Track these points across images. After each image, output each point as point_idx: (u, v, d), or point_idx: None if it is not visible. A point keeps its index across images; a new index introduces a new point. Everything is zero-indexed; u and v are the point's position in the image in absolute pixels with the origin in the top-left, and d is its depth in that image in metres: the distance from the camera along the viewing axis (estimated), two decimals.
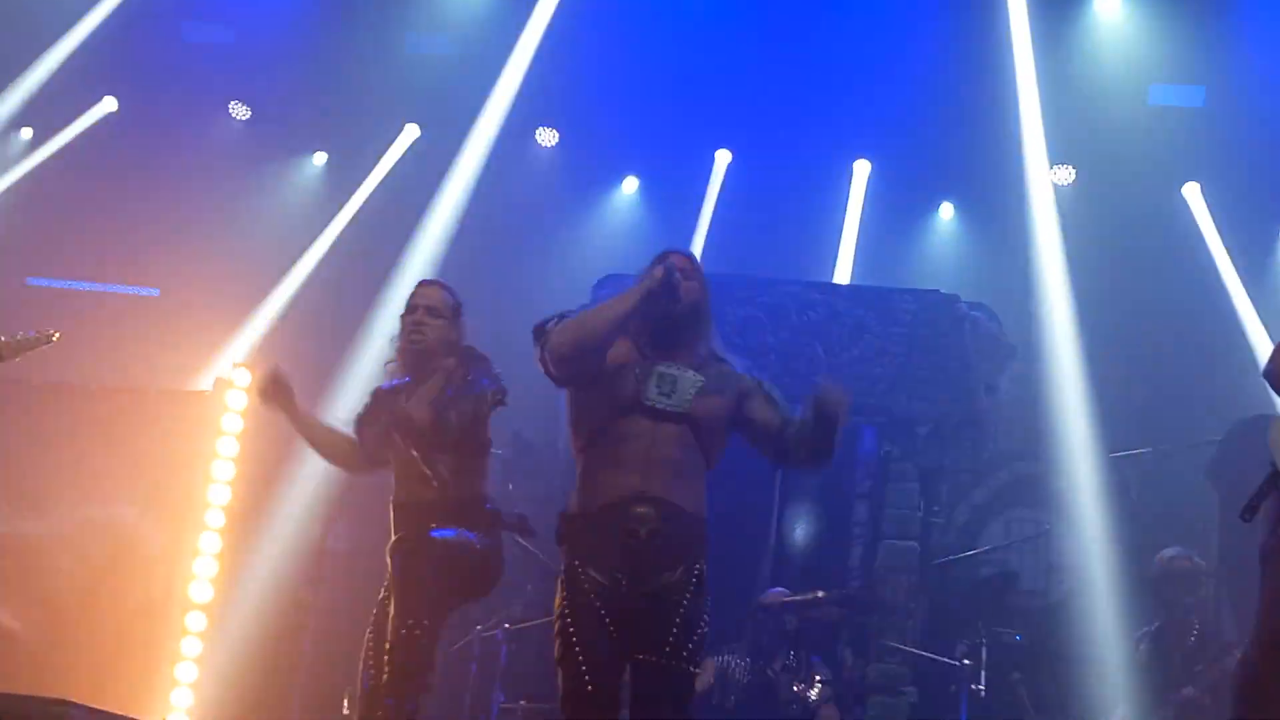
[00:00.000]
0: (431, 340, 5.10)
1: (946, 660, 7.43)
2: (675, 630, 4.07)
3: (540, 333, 4.27)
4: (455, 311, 5.21)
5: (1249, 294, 9.59)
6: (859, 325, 8.91)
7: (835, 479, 8.59)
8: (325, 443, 5.32)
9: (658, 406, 4.21)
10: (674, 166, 10.69)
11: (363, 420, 5.24)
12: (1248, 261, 9.81)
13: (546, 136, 10.63)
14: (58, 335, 6.16)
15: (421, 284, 5.34)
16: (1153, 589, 7.40)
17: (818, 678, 7.08)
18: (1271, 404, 6.66)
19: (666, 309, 4.28)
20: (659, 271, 4.27)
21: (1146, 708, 7.14)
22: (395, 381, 5.21)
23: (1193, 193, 10.00)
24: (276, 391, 5.19)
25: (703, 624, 4.15)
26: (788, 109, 10.11)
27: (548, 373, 4.28)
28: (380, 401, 5.22)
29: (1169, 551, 7.33)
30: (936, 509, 8.76)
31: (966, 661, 7.24)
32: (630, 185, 10.95)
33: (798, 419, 4.32)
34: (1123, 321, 9.37)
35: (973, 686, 7.14)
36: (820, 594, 7.53)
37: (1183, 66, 9.64)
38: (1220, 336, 9.38)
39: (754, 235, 10.21)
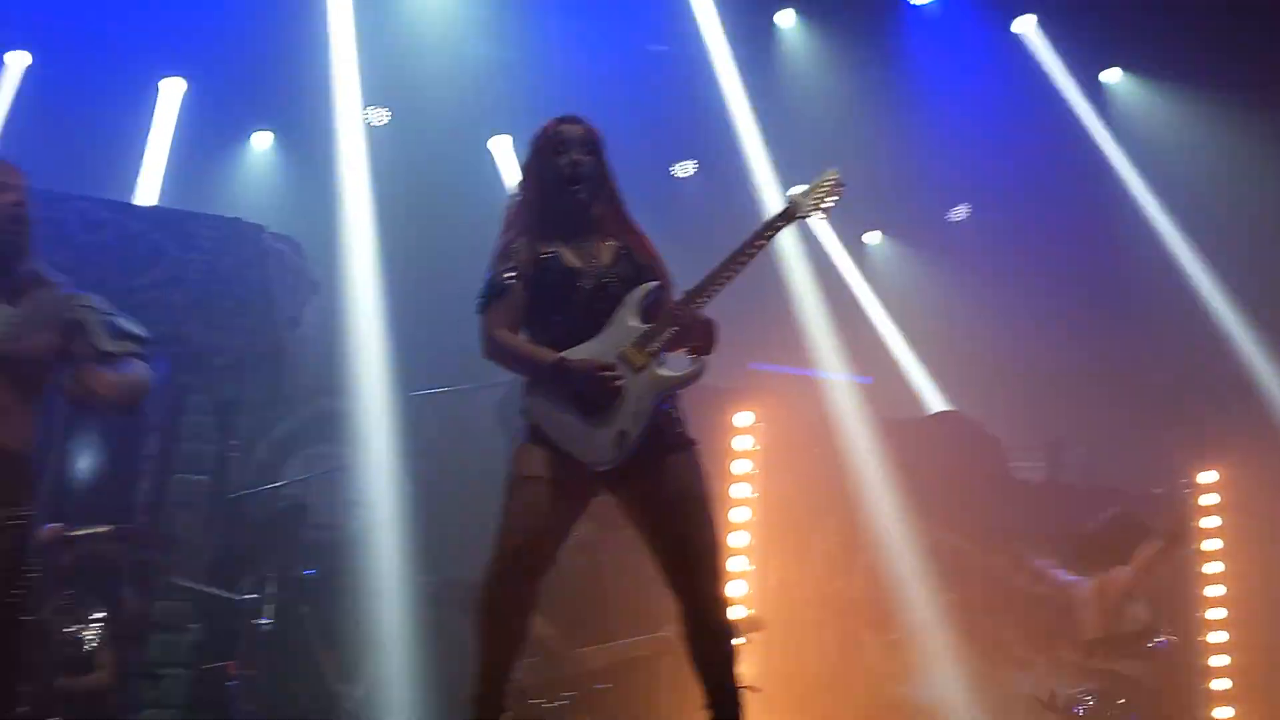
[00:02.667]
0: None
1: (232, 596, 7.24)
2: None
3: None
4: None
5: None
6: (155, 249, 8.47)
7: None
8: None
9: None
10: None
11: None
12: None
13: None
14: None
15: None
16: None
17: (93, 618, 6.64)
18: None
19: None
20: None
21: None
22: None
23: (501, 144, 10.37)
24: None
25: (27, 571, 3.99)
26: (95, 12, 9.40)
27: None
28: None
29: None
30: (235, 443, 8.54)
31: (253, 596, 7.10)
32: None
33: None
34: (427, 262, 9.53)
35: (257, 621, 7.01)
36: (102, 529, 7.07)
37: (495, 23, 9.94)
38: None
39: (48, 147, 9.34)
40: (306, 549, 8.07)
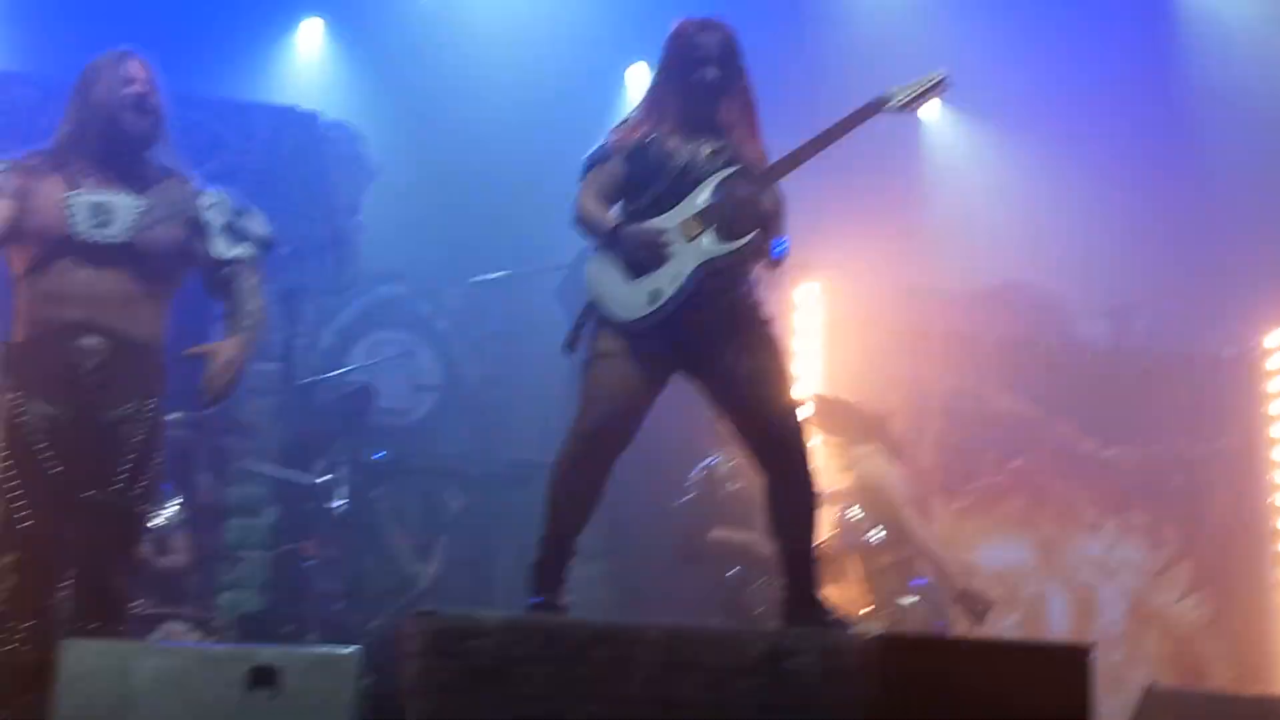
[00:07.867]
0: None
1: (305, 480, 7.37)
2: (127, 468, 4.02)
3: None
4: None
5: None
6: (215, 139, 8.47)
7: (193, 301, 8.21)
8: None
9: (90, 241, 4.02)
10: None
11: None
12: None
13: None
14: None
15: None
16: None
17: (169, 504, 6.79)
18: None
19: (122, 128, 4.18)
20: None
21: None
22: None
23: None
24: None
25: (155, 461, 4.14)
26: None
27: None
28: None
29: None
30: (300, 330, 8.61)
31: (326, 477, 7.25)
32: None
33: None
34: (485, 146, 9.45)
35: (330, 504, 7.16)
36: (176, 415, 7.17)
37: None
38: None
39: (88, 39, 9.27)
40: (375, 433, 8.19)
